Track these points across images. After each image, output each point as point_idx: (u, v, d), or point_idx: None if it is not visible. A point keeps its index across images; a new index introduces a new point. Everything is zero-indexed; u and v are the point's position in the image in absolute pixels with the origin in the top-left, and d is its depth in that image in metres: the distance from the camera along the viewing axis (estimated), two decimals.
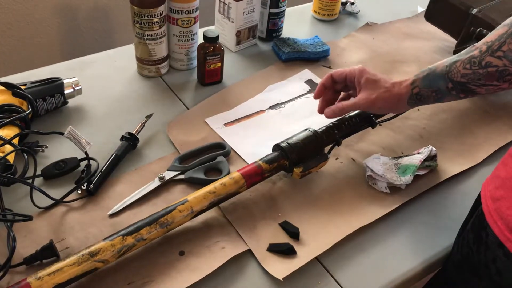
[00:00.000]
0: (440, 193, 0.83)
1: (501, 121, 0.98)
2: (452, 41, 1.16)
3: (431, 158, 0.84)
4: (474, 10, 1.05)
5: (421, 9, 1.33)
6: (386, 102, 0.76)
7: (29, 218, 0.67)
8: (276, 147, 0.79)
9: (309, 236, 0.72)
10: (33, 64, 1.07)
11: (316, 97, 0.84)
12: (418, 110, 0.98)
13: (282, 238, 0.72)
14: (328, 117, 0.81)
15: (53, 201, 0.73)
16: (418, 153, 0.84)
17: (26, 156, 0.75)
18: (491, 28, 1.00)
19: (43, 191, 0.72)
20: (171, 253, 0.68)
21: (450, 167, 0.86)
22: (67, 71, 0.99)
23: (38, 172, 0.76)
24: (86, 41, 1.53)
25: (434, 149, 0.84)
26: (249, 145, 0.87)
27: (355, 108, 0.79)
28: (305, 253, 0.70)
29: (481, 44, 0.67)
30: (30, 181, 0.73)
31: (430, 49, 1.18)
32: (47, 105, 0.86)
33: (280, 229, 0.73)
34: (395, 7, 1.34)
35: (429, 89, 0.74)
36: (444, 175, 0.85)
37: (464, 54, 0.70)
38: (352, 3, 1.29)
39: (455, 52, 1.06)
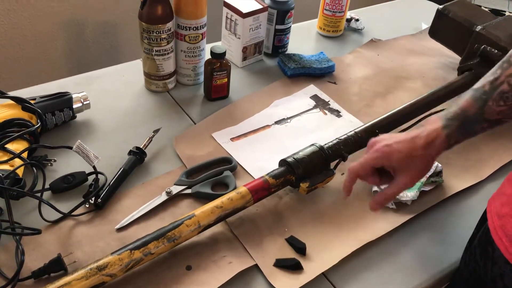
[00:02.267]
0: (445, 209, 0.83)
1: (506, 137, 0.98)
2: (456, 58, 1.17)
3: (437, 174, 0.85)
4: (478, 28, 1.06)
5: (425, 25, 1.35)
6: (428, 166, 0.70)
7: (37, 231, 0.68)
8: (283, 162, 0.80)
9: (315, 252, 0.73)
10: (42, 79, 1.09)
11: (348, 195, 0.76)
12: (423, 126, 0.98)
13: (289, 253, 0.72)
14: (375, 210, 0.72)
15: (61, 215, 0.73)
16: None
17: (35, 170, 0.76)
18: (494, 45, 1.01)
19: (51, 205, 0.73)
20: (178, 268, 0.69)
21: (455, 183, 0.87)
22: (75, 85, 1.00)
23: (47, 186, 0.77)
24: (94, 56, 1.55)
25: (440, 165, 0.85)
26: (255, 159, 0.88)
27: (402, 191, 0.72)
28: (311, 269, 0.70)
29: (506, 76, 0.64)
30: (38, 194, 0.74)
31: (434, 65, 1.19)
32: (56, 119, 0.87)
33: (286, 244, 0.74)
34: (399, 24, 1.36)
35: (466, 135, 0.69)
36: (449, 191, 0.85)
37: (490, 90, 0.66)
38: (357, 20, 1.30)
39: (459, 69, 1.06)
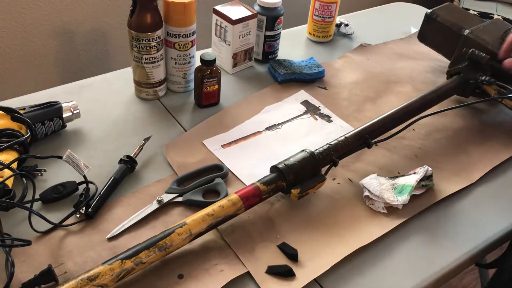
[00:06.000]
0: (436, 213, 0.83)
1: (495, 140, 0.99)
2: (445, 61, 1.18)
3: (427, 177, 0.85)
4: (466, 32, 1.06)
5: (414, 30, 1.36)
6: None
7: (27, 243, 0.67)
8: (274, 169, 0.80)
9: (307, 258, 0.73)
10: (32, 88, 1.08)
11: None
12: (414, 130, 0.99)
13: (281, 260, 0.72)
14: (507, 66, 0.95)
15: (51, 225, 0.73)
16: (414, 173, 0.85)
17: (24, 180, 0.76)
18: (483, 48, 1.02)
19: (41, 215, 0.72)
20: (170, 277, 0.68)
21: (446, 186, 0.87)
22: (65, 94, 1.00)
23: (37, 196, 0.77)
24: (84, 64, 1.55)
25: (430, 168, 0.85)
26: (246, 166, 0.88)
27: None
28: (303, 275, 0.70)
29: None
30: (28, 205, 0.73)
31: (423, 69, 1.20)
32: (45, 129, 0.87)
33: (278, 251, 0.73)
34: (388, 28, 1.37)
35: None
36: (440, 194, 0.85)
37: None
38: (347, 25, 1.31)
39: (448, 73, 1.07)
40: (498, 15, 2.01)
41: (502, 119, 1.06)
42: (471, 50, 1.02)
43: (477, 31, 1.06)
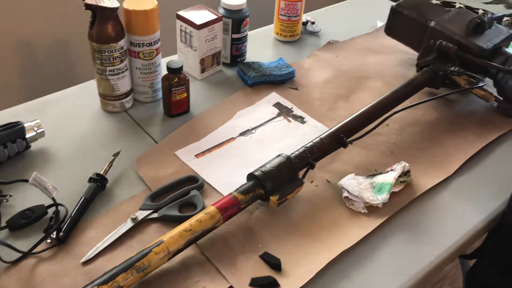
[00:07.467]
0: (416, 208, 0.82)
1: (468, 130, 0.99)
2: (413, 54, 1.18)
3: (405, 173, 0.84)
4: (432, 23, 1.06)
5: (380, 23, 1.36)
6: None
7: None
8: (250, 176, 0.78)
9: (291, 266, 0.71)
10: None
11: None
12: (388, 125, 0.98)
13: (264, 270, 0.70)
14: None
15: (20, 254, 0.69)
16: (392, 170, 0.84)
17: None
18: (449, 39, 1.02)
19: (8, 245, 0.68)
20: None
21: (424, 181, 0.87)
22: (28, 113, 0.95)
23: (3, 223, 0.73)
24: (46, 79, 1.49)
25: (407, 164, 0.84)
26: (222, 175, 0.85)
27: None
28: (288, 285, 0.68)
29: None
30: None
31: (392, 62, 1.19)
32: (8, 151, 0.83)
33: (261, 261, 0.71)
34: (354, 24, 1.36)
35: None
36: (419, 189, 0.85)
37: None
38: (313, 23, 1.30)
39: (418, 65, 1.07)
40: (460, 4, 2.04)
41: (473, 108, 1.06)
42: (438, 41, 1.02)
43: (443, 22, 1.06)
